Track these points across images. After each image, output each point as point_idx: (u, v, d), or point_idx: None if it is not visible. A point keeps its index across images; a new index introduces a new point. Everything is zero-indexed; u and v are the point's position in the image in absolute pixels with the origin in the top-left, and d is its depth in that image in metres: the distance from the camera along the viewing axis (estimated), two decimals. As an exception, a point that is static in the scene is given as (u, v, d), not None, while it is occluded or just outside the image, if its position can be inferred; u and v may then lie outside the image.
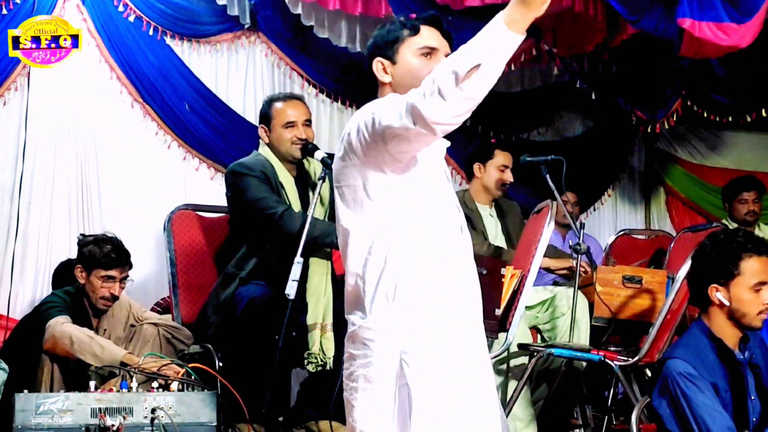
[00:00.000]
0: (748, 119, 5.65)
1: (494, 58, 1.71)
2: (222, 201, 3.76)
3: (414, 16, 2.15)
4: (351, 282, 2.02)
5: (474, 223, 4.01)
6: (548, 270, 4.11)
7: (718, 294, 2.63)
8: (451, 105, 1.74)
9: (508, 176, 4.21)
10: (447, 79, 1.72)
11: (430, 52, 2.09)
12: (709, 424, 2.47)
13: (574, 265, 3.82)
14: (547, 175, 3.89)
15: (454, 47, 2.12)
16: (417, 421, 1.89)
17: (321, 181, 3.34)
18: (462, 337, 2.00)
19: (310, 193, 3.51)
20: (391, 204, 1.98)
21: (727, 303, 2.61)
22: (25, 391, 2.78)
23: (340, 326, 3.27)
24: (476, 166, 4.24)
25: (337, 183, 2.06)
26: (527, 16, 1.70)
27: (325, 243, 3.33)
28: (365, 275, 1.98)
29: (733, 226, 4.85)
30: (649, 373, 3.32)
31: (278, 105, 3.55)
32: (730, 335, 2.65)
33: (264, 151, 3.55)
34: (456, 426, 1.92)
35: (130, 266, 3.50)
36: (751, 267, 2.60)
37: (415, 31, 2.10)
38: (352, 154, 1.99)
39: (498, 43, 1.71)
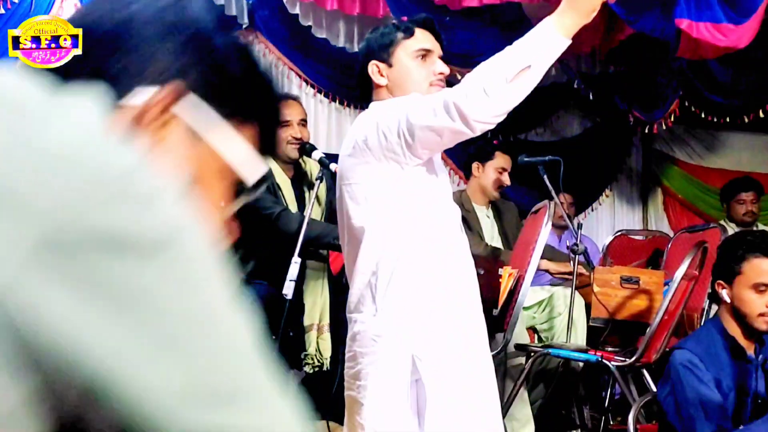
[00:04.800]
0: (746, 120, 5.63)
1: (543, 60, 1.79)
2: (219, 202, 3.74)
3: (406, 18, 2.18)
4: (363, 280, 2.01)
5: (471, 224, 4.00)
6: (547, 272, 4.11)
7: (722, 291, 2.62)
8: (495, 104, 1.80)
9: (506, 179, 4.18)
10: (495, 79, 1.77)
11: (425, 54, 2.11)
12: (694, 414, 2.44)
13: (571, 265, 3.82)
14: (545, 176, 3.89)
15: (444, 48, 2.16)
16: (432, 415, 1.90)
17: (318, 181, 3.33)
18: (467, 332, 2.03)
19: (307, 194, 3.50)
20: (404, 201, 2.00)
21: (728, 300, 2.60)
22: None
23: (337, 327, 3.26)
24: (475, 166, 4.22)
25: (347, 181, 2.06)
26: (578, 22, 1.79)
27: (323, 243, 3.32)
28: (378, 272, 1.98)
29: (731, 226, 4.84)
30: (646, 373, 3.32)
31: None
32: (740, 334, 2.61)
33: (260, 151, 3.54)
34: (468, 419, 1.94)
35: None
36: (753, 267, 2.56)
37: (409, 33, 2.12)
38: (367, 152, 1.99)
39: (548, 47, 1.79)
